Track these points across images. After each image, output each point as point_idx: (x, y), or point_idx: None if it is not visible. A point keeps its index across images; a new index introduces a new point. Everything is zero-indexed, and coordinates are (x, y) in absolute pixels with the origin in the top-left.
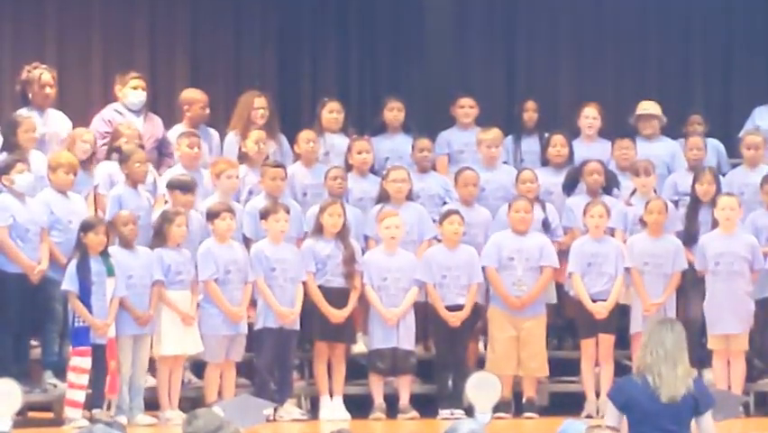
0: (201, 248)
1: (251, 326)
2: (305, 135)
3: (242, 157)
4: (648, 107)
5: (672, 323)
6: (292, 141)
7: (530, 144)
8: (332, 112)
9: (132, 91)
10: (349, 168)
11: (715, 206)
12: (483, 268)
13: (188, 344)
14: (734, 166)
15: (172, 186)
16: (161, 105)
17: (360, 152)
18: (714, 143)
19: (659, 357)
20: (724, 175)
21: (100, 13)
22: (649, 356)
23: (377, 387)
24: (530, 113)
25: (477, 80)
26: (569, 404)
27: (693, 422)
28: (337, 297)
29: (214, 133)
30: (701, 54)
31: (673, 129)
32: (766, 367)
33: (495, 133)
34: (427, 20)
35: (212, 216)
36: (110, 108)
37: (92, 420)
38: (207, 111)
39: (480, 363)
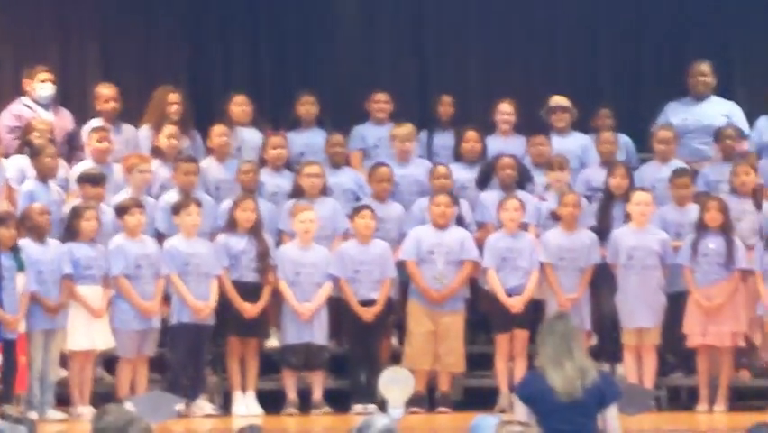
0: (111, 243)
1: (164, 321)
2: (217, 130)
3: (155, 152)
4: (560, 101)
5: (555, 322)
6: (204, 135)
7: (444, 139)
8: (239, 105)
9: (40, 85)
10: (263, 163)
11: (628, 200)
12: (403, 262)
13: (98, 339)
14: (642, 161)
15: (82, 179)
16: (73, 99)
17: (275, 147)
18: (623, 138)
19: (547, 358)
20: (634, 170)
21: (9, 7)
22: (541, 357)
23: (290, 382)
24: (446, 107)
25: (390, 75)
26: (482, 399)
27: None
28: (251, 292)
29: (127, 127)
30: (611, 50)
31: (583, 124)
32: (678, 361)
33: (408, 128)
34: (339, 14)
35: (121, 211)
36: (19, 102)
37: (2, 416)
38: (117, 105)
39: (394, 358)
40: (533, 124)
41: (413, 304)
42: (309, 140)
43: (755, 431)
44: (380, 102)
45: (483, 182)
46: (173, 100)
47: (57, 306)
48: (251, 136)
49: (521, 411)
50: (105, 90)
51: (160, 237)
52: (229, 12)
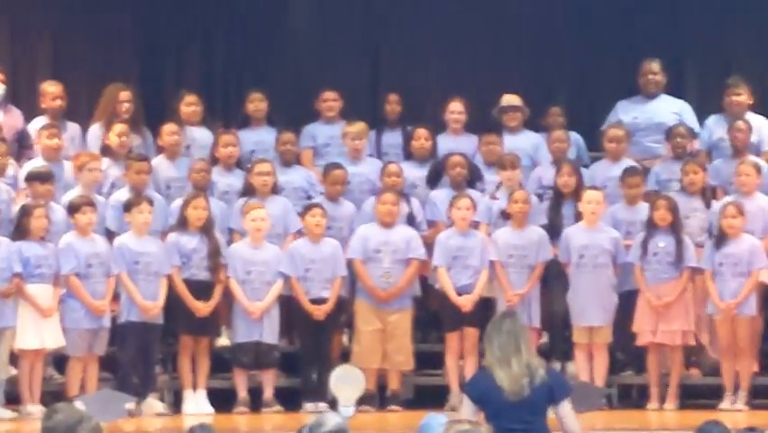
0: (62, 242)
1: (114, 319)
2: (168, 128)
3: (105, 150)
4: (512, 100)
5: (503, 320)
6: (155, 134)
7: (393, 138)
8: (189, 105)
9: None
10: (214, 161)
11: (578, 199)
12: (350, 261)
13: (48, 338)
14: (594, 159)
15: (30, 177)
16: (23, 97)
17: (226, 146)
18: (574, 136)
19: (494, 357)
20: (586, 167)
21: None
22: (488, 355)
23: (240, 381)
24: (393, 106)
25: (341, 73)
26: (433, 397)
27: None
28: (202, 290)
29: (72, 125)
30: (564, 48)
31: (534, 122)
32: (629, 360)
33: (360, 126)
34: (291, 12)
35: (72, 209)
36: None
37: None
38: (63, 103)
39: (345, 357)
40: (485, 122)
41: (360, 303)
42: (260, 138)
43: (706, 429)
44: (329, 100)
45: (434, 181)
46: (124, 98)
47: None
48: (201, 135)
49: (468, 409)
50: (51, 88)
51: (110, 236)
52: (181, 10)
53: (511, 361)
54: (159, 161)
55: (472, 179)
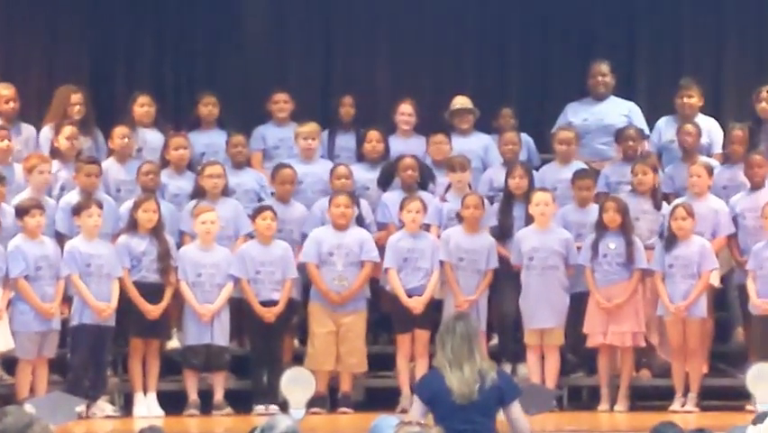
0: (10, 245)
1: (64, 322)
2: (119, 131)
3: (55, 152)
4: (462, 102)
5: (456, 323)
6: (106, 136)
7: (346, 140)
8: (142, 106)
9: None
10: (165, 163)
11: (529, 201)
12: (303, 264)
13: None
14: (545, 161)
15: None
16: None
17: (177, 148)
18: (524, 138)
19: (446, 359)
20: (536, 169)
21: None
22: (440, 357)
23: (191, 383)
24: (346, 108)
25: (293, 75)
26: (384, 399)
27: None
28: (152, 292)
29: (26, 127)
30: (515, 50)
31: (487, 124)
32: (580, 361)
33: (312, 126)
34: (243, 14)
35: (21, 212)
36: None
37: None
38: (17, 105)
39: (296, 359)
40: (436, 124)
41: (314, 305)
42: (210, 140)
43: (661, 430)
44: (280, 102)
45: (385, 183)
46: (75, 101)
47: None
48: (152, 137)
49: (418, 410)
50: (4, 91)
51: (60, 238)
52: (134, 11)
53: (464, 365)
54: (109, 164)
55: (425, 180)
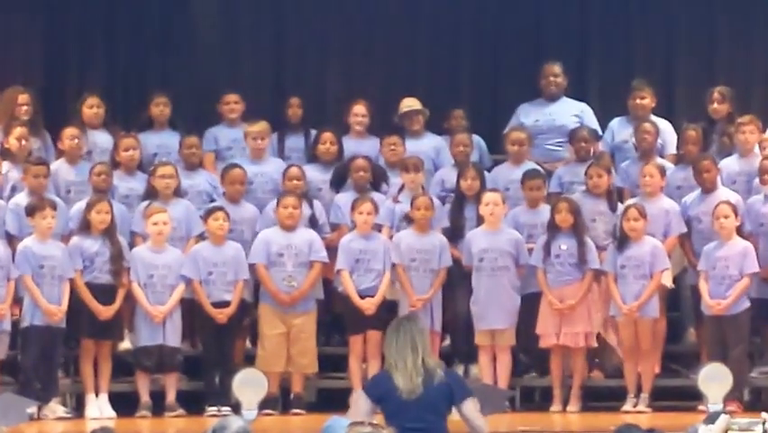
0: None
1: (15, 323)
2: (68, 132)
3: (5, 153)
4: (411, 104)
5: (403, 322)
6: (56, 137)
7: (295, 141)
8: (92, 107)
9: None
10: (115, 165)
11: (479, 202)
12: (253, 265)
13: None
14: (497, 162)
15: None
16: None
17: (126, 149)
18: (476, 139)
19: (392, 357)
20: (488, 171)
21: None
22: (387, 357)
23: (143, 385)
24: (294, 108)
25: (245, 76)
26: (336, 400)
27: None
28: (105, 294)
29: None
30: (467, 51)
31: (438, 125)
32: (532, 362)
33: (262, 125)
34: (195, 15)
35: None
36: None
37: None
38: None
39: (248, 360)
40: (388, 125)
41: (264, 307)
42: (162, 141)
43: (624, 432)
44: (231, 103)
45: (338, 184)
46: (23, 101)
47: None
48: (101, 138)
49: (363, 409)
50: None
51: (10, 239)
52: (86, 11)
53: (406, 360)
54: (59, 165)
55: (378, 181)
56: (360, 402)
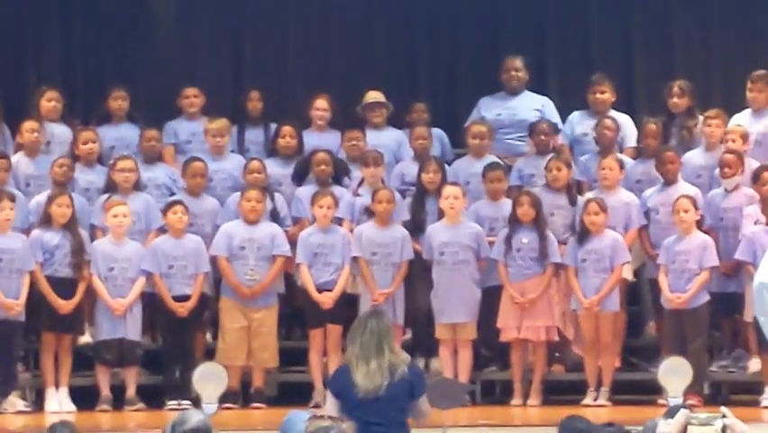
0: None
1: None
2: (28, 125)
3: None
4: (375, 96)
5: (369, 319)
6: (15, 130)
7: (255, 134)
8: (50, 100)
9: None
10: (75, 158)
11: (440, 195)
12: (214, 258)
13: None
14: (458, 156)
15: None
16: None
17: (86, 143)
18: (437, 132)
19: (355, 354)
20: (449, 164)
21: None
22: (349, 352)
23: (103, 378)
24: (254, 102)
25: (204, 70)
26: (297, 394)
27: None
28: (65, 287)
29: None
30: (428, 45)
31: (399, 119)
32: (493, 356)
33: (221, 122)
34: (153, 8)
35: None
36: None
37: None
38: None
39: (209, 354)
40: (350, 118)
41: (225, 300)
42: (120, 134)
43: (567, 424)
44: (190, 97)
45: (299, 178)
46: None
47: None
48: (60, 131)
49: (331, 405)
50: None
51: None
52: (43, 4)
53: (371, 360)
54: (18, 158)
55: (339, 175)
56: (328, 397)
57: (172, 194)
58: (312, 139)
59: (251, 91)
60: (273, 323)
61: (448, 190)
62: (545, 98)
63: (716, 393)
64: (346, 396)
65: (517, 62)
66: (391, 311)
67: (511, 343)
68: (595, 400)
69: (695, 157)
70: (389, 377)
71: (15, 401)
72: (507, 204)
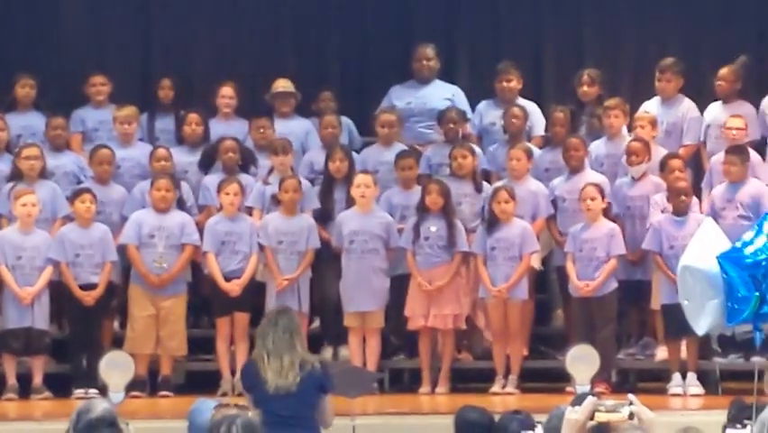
0: None
1: None
2: None
3: None
4: (285, 86)
5: (279, 316)
6: None
7: (165, 123)
8: None
9: None
10: None
11: (350, 183)
12: (123, 246)
13: None
14: (366, 144)
15: None
16: None
17: None
18: (345, 121)
19: (266, 350)
20: (357, 152)
21: None
22: (258, 347)
23: (10, 367)
24: (165, 90)
25: (113, 58)
26: (205, 382)
27: None
28: None
29: None
30: (336, 32)
31: (305, 107)
32: (401, 344)
33: (129, 110)
34: None
35: None
36: None
37: None
38: None
39: (116, 342)
40: (257, 106)
41: (134, 288)
42: (27, 123)
43: (462, 414)
44: (97, 85)
45: (206, 166)
46: None
47: None
48: None
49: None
50: None
51: None
52: None
53: (283, 356)
54: None
55: (246, 163)
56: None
57: (79, 182)
58: (219, 127)
59: (163, 79)
60: (182, 311)
61: (359, 179)
62: (456, 87)
63: (623, 381)
64: (255, 391)
65: (429, 51)
66: (296, 299)
67: (419, 331)
68: (503, 387)
69: (599, 146)
70: (301, 373)
71: None
72: (418, 192)
